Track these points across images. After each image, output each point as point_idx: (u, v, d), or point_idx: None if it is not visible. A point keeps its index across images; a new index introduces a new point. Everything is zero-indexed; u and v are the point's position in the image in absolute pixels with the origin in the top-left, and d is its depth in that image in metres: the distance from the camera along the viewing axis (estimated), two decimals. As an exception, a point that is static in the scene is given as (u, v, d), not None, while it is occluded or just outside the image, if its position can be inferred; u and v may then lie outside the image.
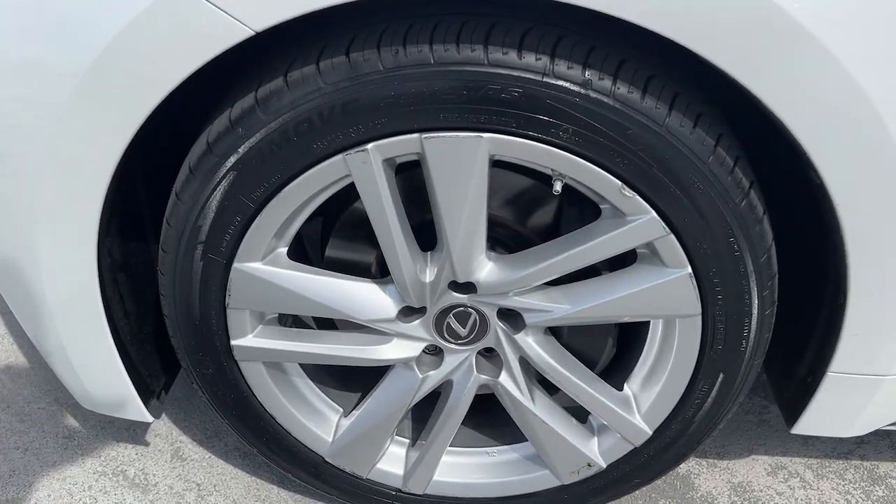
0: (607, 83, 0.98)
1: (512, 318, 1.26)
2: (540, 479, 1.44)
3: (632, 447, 1.36)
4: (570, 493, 1.44)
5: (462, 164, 1.05)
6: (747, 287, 1.13)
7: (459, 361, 1.31)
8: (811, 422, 1.31)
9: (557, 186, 1.08)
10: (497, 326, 1.26)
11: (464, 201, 1.08)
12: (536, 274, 1.16)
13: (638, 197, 1.05)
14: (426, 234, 1.18)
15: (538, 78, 0.98)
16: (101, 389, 1.38)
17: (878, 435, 1.72)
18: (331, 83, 1.01)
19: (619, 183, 1.05)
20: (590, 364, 1.34)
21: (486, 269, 1.18)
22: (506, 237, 1.27)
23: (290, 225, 1.17)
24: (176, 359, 1.36)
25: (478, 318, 1.24)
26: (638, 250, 1.15)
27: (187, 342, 1.28)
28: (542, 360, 1.28)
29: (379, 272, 1.32)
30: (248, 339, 1.27)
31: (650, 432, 1.32)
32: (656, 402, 1.29)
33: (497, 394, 1.35)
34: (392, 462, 1.46)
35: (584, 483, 1.42)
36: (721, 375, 1.23)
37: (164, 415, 1.75)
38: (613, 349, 1.38)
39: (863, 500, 1.60)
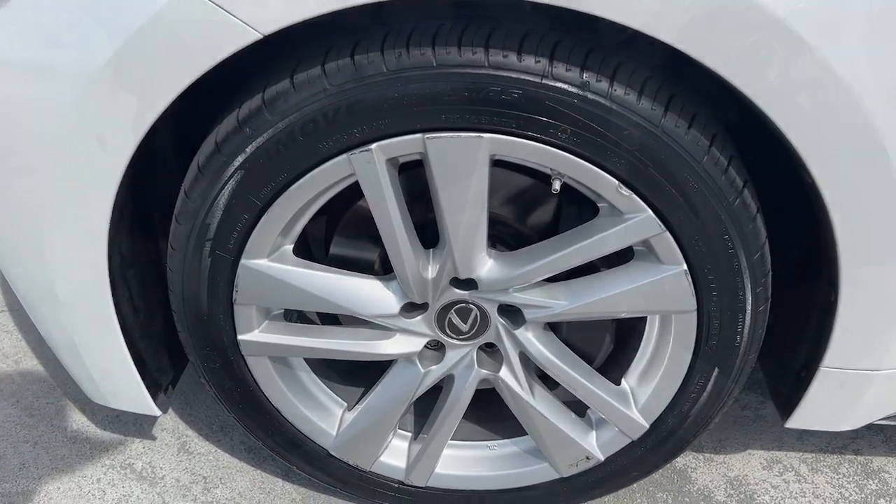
0: (604, 85, 1.00)
1: (512, 313, 1.27)
2: (539, 472, 1.45)
3: (629, 440, 1.37)
4: (568, 486, 1.45)
5: (463, 163, 1.06)
6: (741, 283, 1.14)
7: (461, 356, 1.33)
8: (805, 416, 1.32)
9: (556, 185, 1.10)
10: (497, 322, 1.27)
11: (465, 200, 1.10)
12: (536, 271, 1.17)
13: (634, 196, 1.07)
14: (428, 232, 1.19)
15: (537, 80, 0.99)
16: (110, 384, 1.40)
17: (872, 430, 1.73)
18: (336, 85, 1.03)
19: (616, 182, 1.06)
20: (588, 359, 1.35)
21: (486, 265, 1.19)
22: (506, 235, 1.28)
23: (295, 223, 1.19)
24: (182, 354, 1.38)
25: (479, 313, 1.26)
26: (635, 247, 1.16)
27: (195, 337, 1.30)
28: (541, 354, 1.29)
29: (382, 269, 1.33)
30: (255, 334, 1.29)
31: (647, 426, 1.33)
32: (653, 396, 1.31)
33: (497, 388, 1.36)
34: (395, 455, 1.47)
35: (583, 476, 1.43)
36: (716, 370, 1.25)
37: (170, 409, 1.77)
38: (611, 345, 1.39)
39: (856, 494, 1.61)
